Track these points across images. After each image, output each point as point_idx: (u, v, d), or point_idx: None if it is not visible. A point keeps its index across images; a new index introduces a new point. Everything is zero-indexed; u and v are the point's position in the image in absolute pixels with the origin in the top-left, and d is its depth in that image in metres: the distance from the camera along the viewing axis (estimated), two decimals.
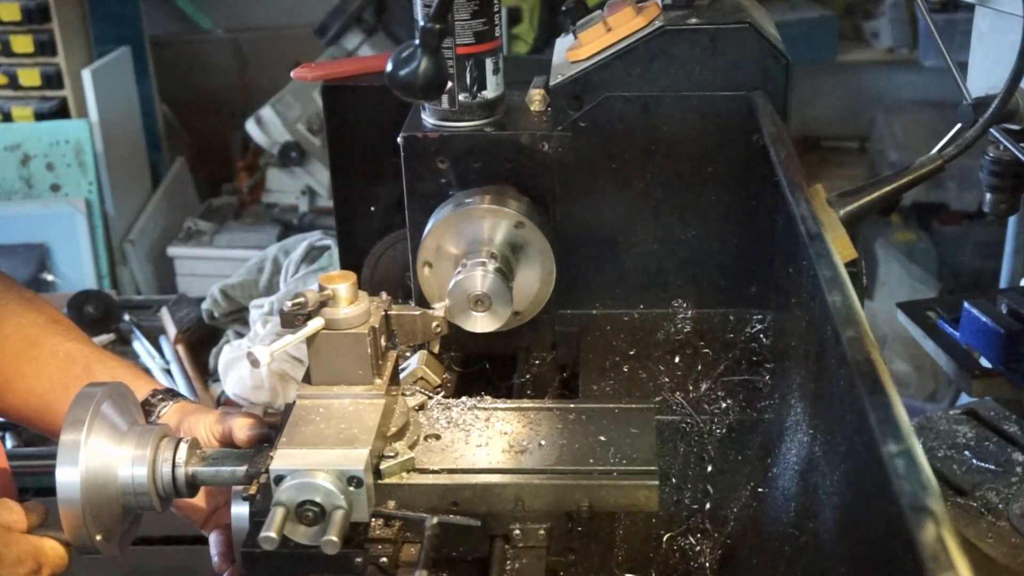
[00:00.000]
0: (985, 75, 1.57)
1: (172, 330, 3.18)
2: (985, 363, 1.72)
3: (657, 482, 1.22)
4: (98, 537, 1.16)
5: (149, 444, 1.20)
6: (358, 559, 1.18)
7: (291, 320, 1.19)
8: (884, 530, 0.76)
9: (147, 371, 2.95)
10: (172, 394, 1.50)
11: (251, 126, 4.65)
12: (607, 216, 1.58)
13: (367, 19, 4.43)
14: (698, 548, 1.40)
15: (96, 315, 3.28)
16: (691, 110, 1.51)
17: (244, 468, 1.22)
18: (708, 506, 1.41)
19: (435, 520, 1.18)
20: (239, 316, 3.25)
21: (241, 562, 1.21)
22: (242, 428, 1.34)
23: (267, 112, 4.60)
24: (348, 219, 1.87)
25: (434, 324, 1.30)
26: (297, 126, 4.64)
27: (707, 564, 1.39)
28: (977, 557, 1.45)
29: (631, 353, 1.55)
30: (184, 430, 1.43)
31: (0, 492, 1.39)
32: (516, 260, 1.50)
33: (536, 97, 1.57)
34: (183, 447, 1.22)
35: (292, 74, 1.81)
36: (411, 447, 1.24)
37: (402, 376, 1.40)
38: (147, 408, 1.46)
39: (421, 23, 1.24)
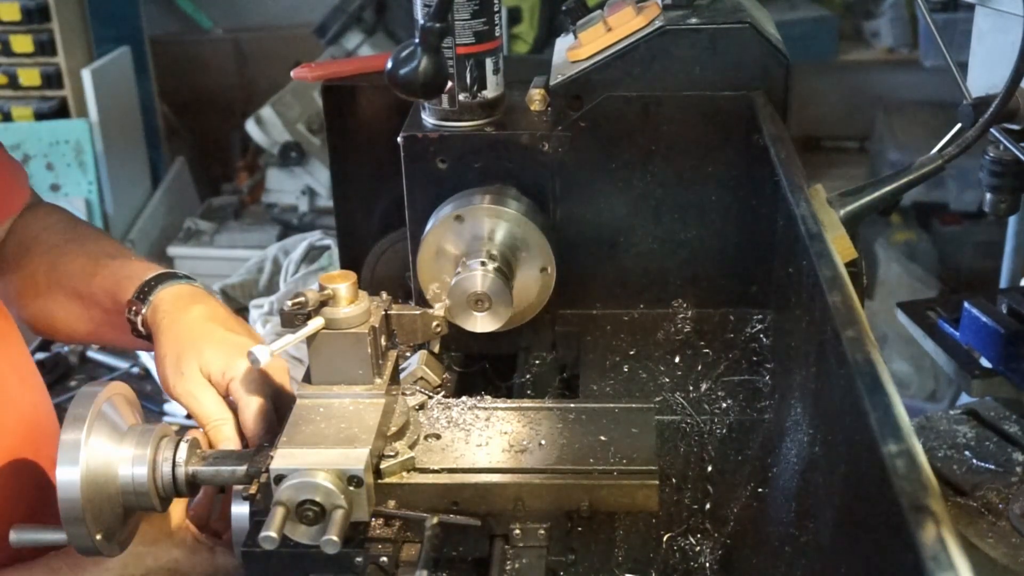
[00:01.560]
0: (985, 75, 1.57)
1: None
2: (985, 363, 1.72)
3: (657, 481, 1.22)
4: (98, 536, 1.16)
5: (149, 444, 1.20)
6: (358, 558, 1.18)
7: (291, 320, 1.19)
8: (884, 530, 0.76)
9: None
10: (143, 296, 1.44)
11: (251, 126, 4.65)
12: (607, 216, 1.58)
13: (367, 19, 4.43)
14: (698, 548, 1.40)
15: None
16: (691, 110, 1.51)
17: (244, 468, 1.22)
18: (708, 506, 1.41)
19: (435, 520, 1.18)
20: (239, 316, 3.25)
21: (241, 562, 1.21)
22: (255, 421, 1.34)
23: (267, 112, 4.61)
24: (348, 219, 1.87)
25: (434, 324, 1.30)
26: (297, 126, 4.65)
27: (707, 564, 1.39)
28: (977, 557, 1.45)
29: (631, 353, 1.55)
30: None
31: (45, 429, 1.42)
32: (516, 260, 1.50)
33: (536, 97, 1.57)
34: (183, 447, 1.22)
35: (292, 74, 1.81)
36: (411, 447, 1.24)
37: (402, 376, 1.40)
38: (135, 329, 1.44)
39: (421, 23, 1.24)
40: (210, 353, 1.36)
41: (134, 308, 1.44)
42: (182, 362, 1.36)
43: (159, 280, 1.45)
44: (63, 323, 1.56)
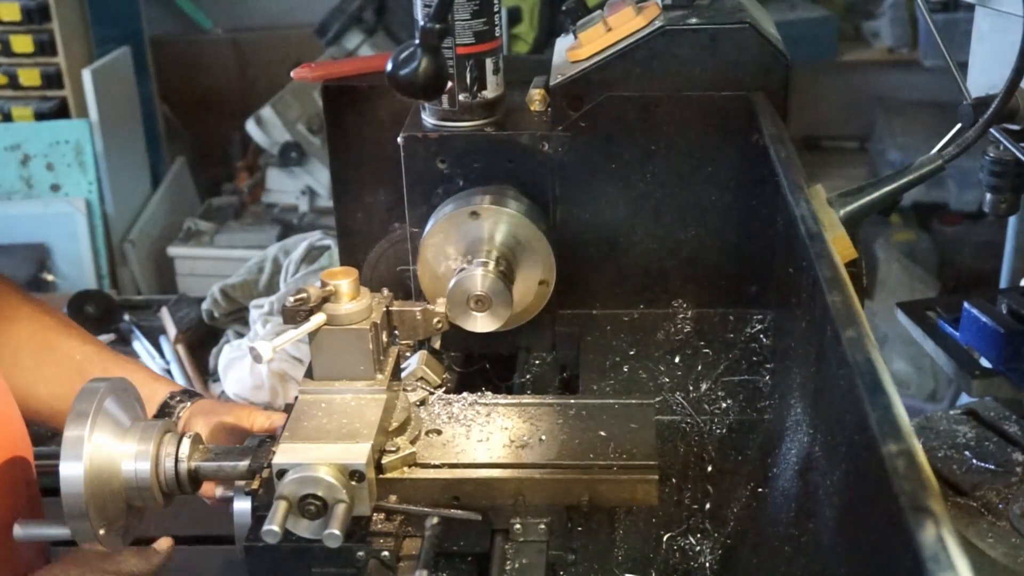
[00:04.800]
0: (985, 75, 1.57)
1: (172, 330, 3.19)
2: (985, 363, 1.72)
3: (657, 476, 1.22)
4: (101, 532, 1.17)
5: (152, 439, 1.20)
6: (360, 553, 1.19)
7: (293, 316, 1.19)
8: (884, 530, 0.76)
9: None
10: (189, 395, 1.56)
11: (251, 126, 4.65)
12: (607, 216, 1.59)
13: (367, 19, 4.44)
14: (698, 548, 1.40)
15: (96, 315, 3.28)
16: (691, 110, 1.51)
17: (246, 463, 1.23)
18: (708, 506, 1.41)
19: (436, 520, 1.19)
20: (239, 316, 3.26)
21: (244, 556, 1.21)
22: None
23: (267, 112, 4.61)
24: (348, 219, 1.87)
25: (435, 320, 1.30)
26: (297, 126, 4.65)
27: (707, 564, 1.39)
28: (977, 557, 1.45)
29: (631, 353, 1.55)
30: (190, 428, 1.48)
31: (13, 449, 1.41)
32: (516, 260, 1.50)
33: (536, 97, 1.58)
34: (186, 442, 1.22)
35: (292, 74, 1.81)
36: (412, 442, 1.24)
37: (402, 377, 1.40)
38: (166, 411, 1.53)
39: (421, 23, 1.25)
40: (252, 408, 1.52)
41: (179, 398, 1.56)
42: (229, 414, 1.50)
43: (199, 395, 1.59)
44: (43, 399, 1.54)
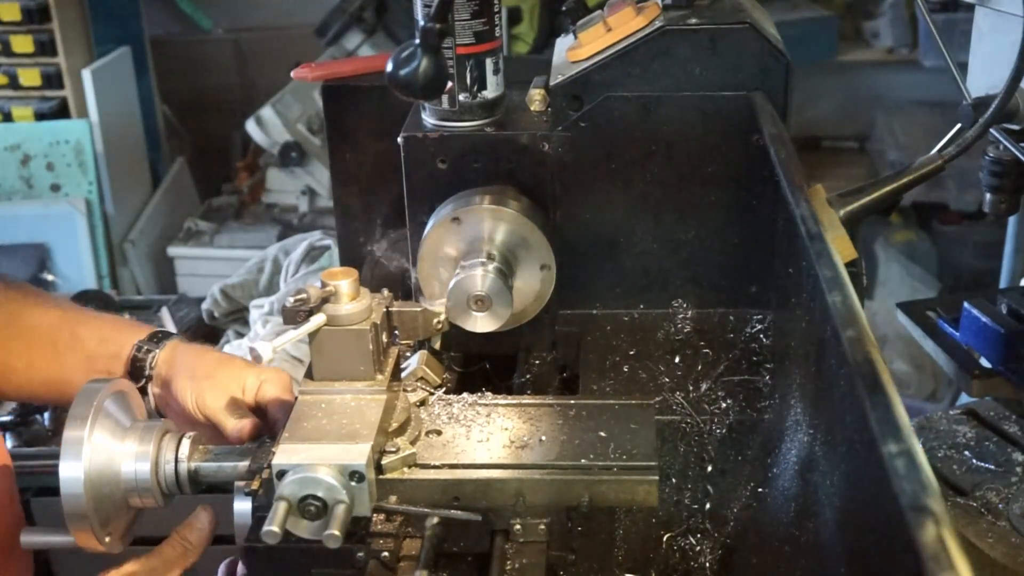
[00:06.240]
0: (985, 75, 1.58)
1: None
2: (985, 363, 1.73)
3: (657, 477, 1.22)
4: (102, 534, 1.17)
5: (152, 440, 1.20)
6: (360, 553, 1.19)
7: (293, 316, 1.19)
8: (884, 530, 0.76)
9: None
10: (156, 340, 1.51)
11: (251, 126, 4.65)
12: (607, 216, 1.59)
13: (367, 19, 4.43)
14: (698, 548, 1.40)
15: None
16: (691, 110, 1.51)
17: (246, 463, 1.23)
18: (708, 506, 1.41)
19: (435, 521, 1.19)
20: (239, 316, 3.26)
21: (243, 557, 1.21)
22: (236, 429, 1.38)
23: (267, 112, 4.60)
24: (348, 219, 1.87)
25: (435, 320, 1.30)
26: (297, 126, 4.64)
27: (707, 564, 1.39)
28: (977, 557, 1.45)
29: (631, 353, 1.55)
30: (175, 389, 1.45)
31: (1, 492, 1.40)
32: (516, 260, 1.50)
33: (536, 97, 1.58)
34: (186, 442, 1.22)
35: (292, 74, 1.82)
36: (412, 442, 1.24)
37: (402, 377, 1.40)
38: (137, 365, 1.48)
39: (421, 23, 1.24)
40: (240, 364, 1.46)
41: (146, 347, 1.49)
42: (216, 376, 1.44)
43: (168, 335, 1.53)
44: (20, 372, 1.52)
